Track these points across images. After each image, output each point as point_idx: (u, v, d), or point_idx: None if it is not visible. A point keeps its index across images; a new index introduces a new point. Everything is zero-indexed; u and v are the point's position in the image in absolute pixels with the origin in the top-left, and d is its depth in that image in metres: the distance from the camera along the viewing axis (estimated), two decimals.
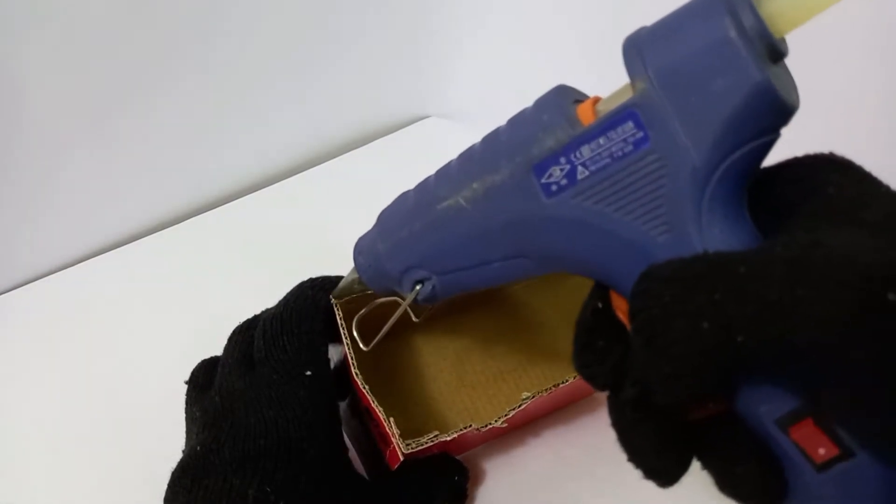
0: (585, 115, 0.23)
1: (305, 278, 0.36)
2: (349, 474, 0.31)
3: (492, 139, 0.26)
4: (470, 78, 0.71)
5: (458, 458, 0.35)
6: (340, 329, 0.33)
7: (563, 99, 0.24)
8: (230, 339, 0.34)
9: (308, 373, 0.31)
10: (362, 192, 0.61)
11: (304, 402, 0.30)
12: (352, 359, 0.32)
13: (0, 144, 0.47)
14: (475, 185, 0.25)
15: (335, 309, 0.33)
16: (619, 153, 0.22)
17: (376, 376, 0.39)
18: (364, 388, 0.31)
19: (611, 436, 0.35)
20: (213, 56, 0.55)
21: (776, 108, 0.20)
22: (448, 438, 0.31)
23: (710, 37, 0.20)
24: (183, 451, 0.31)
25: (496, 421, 0.32)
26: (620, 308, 0.23)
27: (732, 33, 0.20)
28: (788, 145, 0.54)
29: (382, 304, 0.35)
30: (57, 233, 0.52)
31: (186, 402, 0.34)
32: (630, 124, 0.21)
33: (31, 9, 0.44)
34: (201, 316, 0.47)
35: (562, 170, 0.23)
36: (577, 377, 0.33)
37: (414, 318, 0.32)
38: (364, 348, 0.31)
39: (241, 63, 0.57)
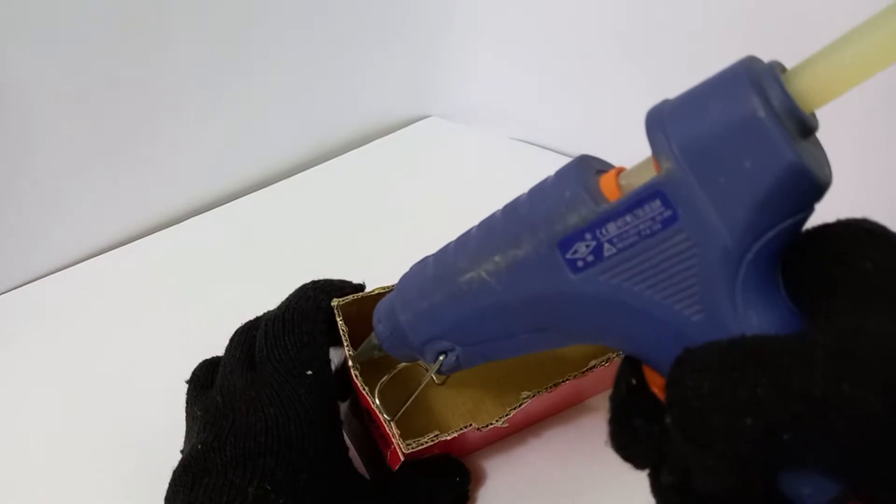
0: (610, 189, 0.22)
1: (305, 278, 0.36)
2: (350, 474, 0.31)
3: (512, 211, 0.25)
4: (470, 78, 0.71)
5: (459, 459, 0.35)
6: (341, 331, 0.33)
7: (585, 171, 0.24)
8: (232, 340, 0.35)
9: (309, 372, 0.31)
10: (362, 192, 0.61)
11: (305, 401, 0.30)
12: (352, 360, 0.32)
13: (1, 145, 0.47)
14: (497, 259, 0.24)
15: (336, 312, 0.33)
16: (647, 231, 0.21)
17: (377, 378, 0.39)
18: (364, 389, 0.31)
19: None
20: (213, 56, 0.55)
21: (810, 187, 0.20)
22: (448, 438, 0.31)
23: (737, 116, 0.19)
24: (182, 451, 0.31)
25: (497, 421, 0.32)
26: (655, 383, 0.23)
27: (761, 113, 0.19)
28: None
29: (381, 296, 0.35)
30: (57, 233, 0.52)
31: (187, 402, 0.34)
32: (657, 202, 0.21)
33: (32, 10, 0.44)
34: (201, 316, 0.47)
35: (587, 246, 0.22)
36: (577, 376, 0.33)
37: (436, 382, 0.32)
38: (388, 418, 0.31)
39: (241, 63, 0.57)
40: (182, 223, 0.57)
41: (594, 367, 0.33)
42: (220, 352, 0.35)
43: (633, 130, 0.72)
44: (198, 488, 0.27)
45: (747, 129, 0.19)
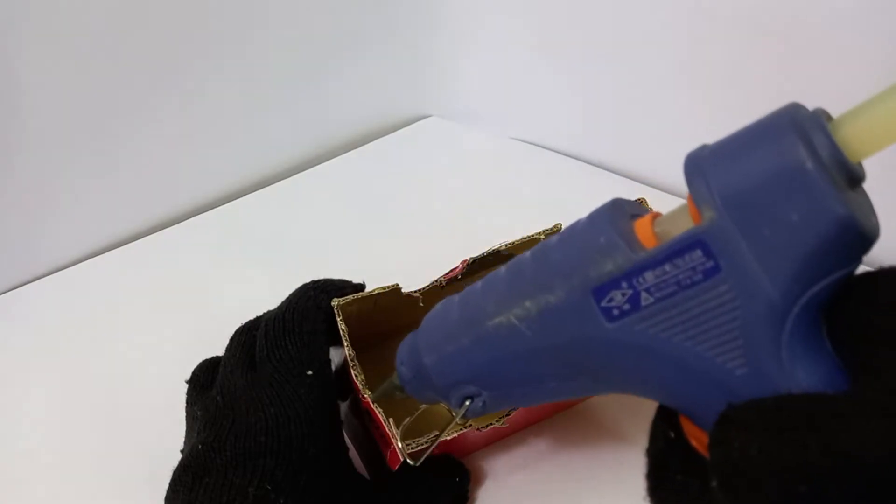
0: (646, 235, 0.22)
1: (305, 278, 0.36)
2: (350, 474, 0.31)
3: (542, 255, 0.24)
4: (470, 78, 0.71)
5: (459, 459, 0.35)
6: (341, 331, 0.33)
7: (619, 216, 0.23)
8: (232, 340, 0.35)
9: (309, 372, 0.31)
10: (362, 192, 0.61)
11: (306, 400, 0.30)
12: (352, 360, 0.32)
13: (0, 144, 0.47)
14: (528, 304, 0.24)
15: (336, 311, 0.33)
16: (688, 281, 0.21)
17: (377, 378, 0.38)
18: (364, 388, 0.31)
19: (611, 438, 0.35)
20: (214, 56, 0.55)
21: (859, 240, 0.19)
22: (448, 438, 0.31)
23: (782, 166, 0.19)
24: (182, 451, 0.31)
25: (497, 422, 0.32)
26: (694, 436, 0.22)
27: (809, 165, 0.18)
28: None
29: (381, 296, 0.35)
30: (57, 233, 0.52)
31: (187, 402, 0.34)
32: (699, 252, 0.20)
33: (33, 11, 0.44)
34: (201, 315, 0.47)
35: (623, 294, 0.22)
36: None
37: (460, 423, 0.30)
38: (413, 462, 0.30)
39: (241, 63, 0.57)
40: (182, 223, 0.57)
41: None
42: (220, 352, 0.35)
43: (633, 130, 0.73)
44: (198, 488, 0.27)
45: (794, 180, 0.19)
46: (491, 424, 0.32)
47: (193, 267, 0.52)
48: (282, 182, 0.62)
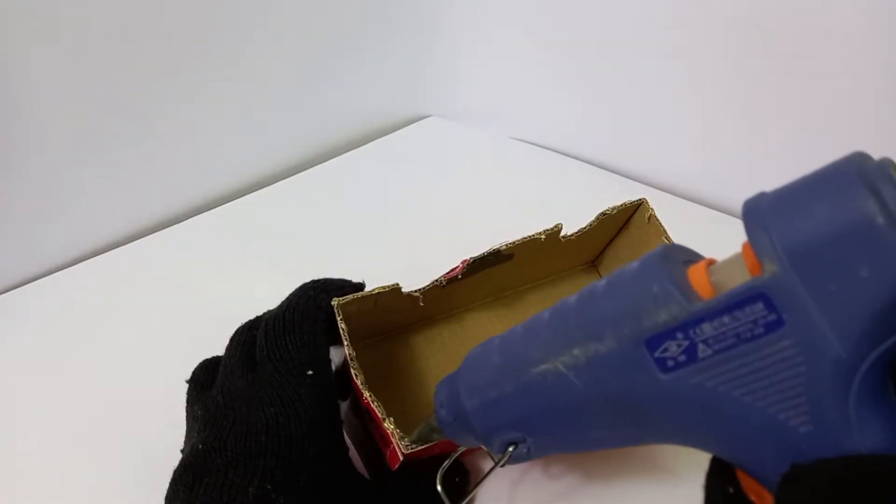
0: (701, 285, 0.21)
1: (305, 277, 0.36)
2: (350, 474, 0.31)
3: (589, 301, 0.24)
4: (470, 78, 0.71)
5: (459, 460, 0.35)
6: (341, 330, 0.33)
7: (671, 263, 0.22)
8: (232, 340, 0.34)
9: (310, 372, 0.31)
10: (362, 192, 0.61)
11: (306, 400, 0.30)
12: (352, 360, 0.32)
13: (0, 144, 0.47)
14: (576, 352, 0.23)
15: (336, 311, 0.34)
16: (748, 335, 0.20)
17: (377, 378, 0.38)
18: (364, 388, 0.31)
19: None
20: (214, 56, 0.55)
21: None
22: (448, 438, 0.31)
23: (851, 221, 0.18)
24: (182, 451, 0.31)
25: None
26: (753, 491, 0.21)
27: (879, 220, 0.18)
28: (791, 145, 0.53)
29: (381, 296, 0.35)
30: (57, 233, 0.52)
31: (187, 402, 0.34)
32: (760, 305, 0.20)
33: (35, 12, 0.44)
34: (201, 315, 0.47)
35: (679, 345, 0.21)
36: None
37: (499, 466, 0.29)
38: (388, 417, 0.30)
39: (241, 63, 0.57)
40: (182, 223, 0.57)
41: None
42: (220, 351, 0.35)
43: (633, 130, 0.73)
44: (198, 487, 0.27)
45: (863, 235, 0.18)
46: None
47: (193, 267, 0.52)
48: (282, 182, 0.62)
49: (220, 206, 0.59)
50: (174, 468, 0.29)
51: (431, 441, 0.30)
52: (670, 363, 0.21)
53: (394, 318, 0.40)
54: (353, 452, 0.35)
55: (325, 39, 0.61)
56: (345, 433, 0.33)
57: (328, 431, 0.30)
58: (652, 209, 0.40)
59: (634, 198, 0.40)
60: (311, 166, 0.64)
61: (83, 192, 0.52)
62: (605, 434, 0.24)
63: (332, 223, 0.57)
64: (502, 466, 0.27)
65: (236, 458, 0.27)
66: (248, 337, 0.34)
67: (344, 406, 0.36)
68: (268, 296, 0.36)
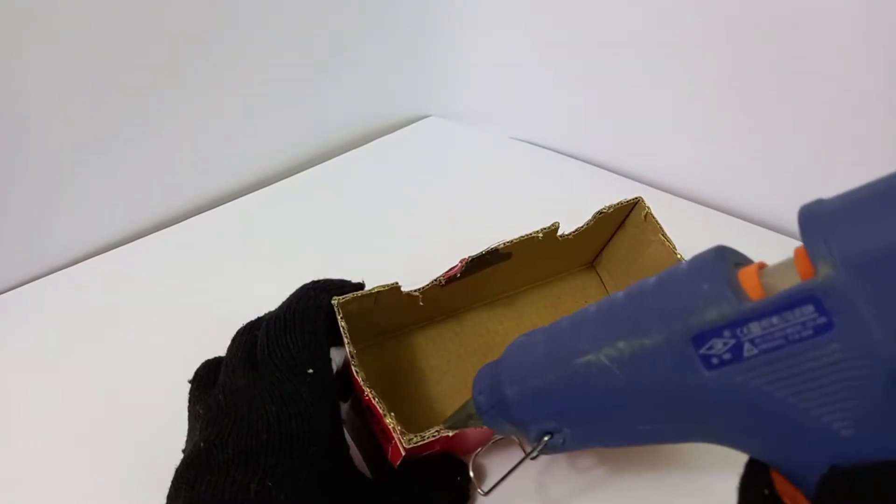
0: (751, 286, 0.21)
1: (306, 277, 0.36)
2: (351, 472, 0.31)
3: (638, 295, 0.24)
4: (470, 78, 0.71)
5: (461, 459, 0.35)
6: (341, 329, 0.33)
7: (723, 263, 0.22)
8: (234, 340, 0.35)
9: (310, 371, 0.31)
10: (362, 192, 0.61)
11: (307, 398, 0.30)
12: (352, 357, 0.32)
13: (0, 144, 0.47)
14: (620, 345, 0.23)
15: (336, 309, 0.34)
16: (796, 336, 0.20)
17: (378, 377, 0.39)
18: (365, 384, 0.31)
19: None
20: (214, 55, 0.55)
21: None
22: (450, 434, 0.31)
23: None
24: (184, 450, 0.31)
25: None
26: (787, 494, 0.21)
27: None
28: (791, 145, 0.53)
29: (381, 295, 0.35)
30: (57, 232, 0.52)
31: (189, 401, 0.34)
32: (810, 307, 0.20)
33: (35, 12, 0.44)
34: (201, 315, 0.47)
35: (725, 343, 0.21)
36: None
37: (531, 458, 0.29)
38: (389, 412, 0.30)
39: (241, 62, 0.57)
40: (182, 223, 0.58)
41: None
42: (221, 351, 0.35)
43: (633, 130, 0.73)
44: (200, 485, 0.27)
45: None
46: None
47: (193, 267, 0.53)
48: (282, 182, 0.62)
49: (220, 206, 0.59)
50: (175, 467, 0.29)
51: (467, 426, 0.30)
52: (715, 360, 0.21)
53: (394, 318, 0.40)
54: (354, 451, 0.35)
55: (324, 39, 0.61)
56: (346, 432, 0.33)
57: (329, 430, 0.30)
58: (648, 207, 0.40)
59: (632, 196, 0.40)
60: (311, 166, 0.64)
61: (83, 192, 0.52)
62: (643, 430, 0.24)
63: (332, 223, 0.57)
64: (534, 458, 0.27)
65: (237, 455, 0.28)
66: (250, 337, 0.34)
67: (345, 405, 0.36)
68: (268, 296, 0.36)
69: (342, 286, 0.35)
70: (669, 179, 0.61)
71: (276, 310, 0.34)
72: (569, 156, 0.66)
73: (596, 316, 0.25)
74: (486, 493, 0.30)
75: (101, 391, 0.42)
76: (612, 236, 0.43)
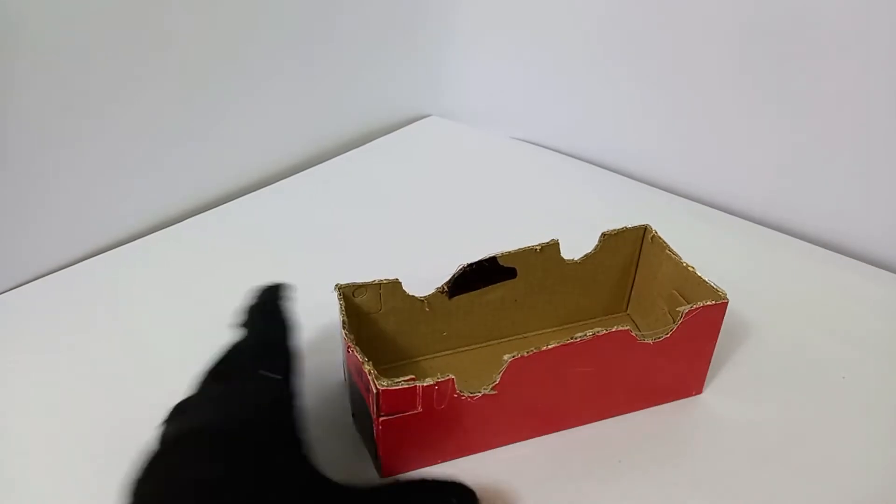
0: None
1: (306, 277, 0.37)
2: (311, 470, 0.31)
3: None
4: (470, 77, 0.71)
5: (466, 485, 0.34)
6: (339, 313, 0.34)
7: None
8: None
9: (262, 372, 0.32)
10: (362, 191, 0.61)
11: (252, 396, 0.31)
12: (344, 325, 0.33)
13: (1, 144, 0.47)
14: None
15: (338, 294, 0.35)
16: None
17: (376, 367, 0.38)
18: (348, 337, 0.33)
19: (614, 446, 0.34)
20: (214, 55, 0.55)
21: None
22: (426, 384, 0.31)
23: None
24: None
25: (485, 388, 0.33)
26: None
27: None
28: (791, 145, 0.53)
29: (388, 298, 0.36)
30: (57, 232, 0.52)
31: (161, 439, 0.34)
32: None
33: (35, 11, 0.44)
34: (201, 315, 0.47)
35: None
36: (562, 344, 0.33)
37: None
38: (367, 360, 0.31)
39: (242, 63, 0.57)
40: (182, 223, 0.57)
41: (578, 338, 0.33)
42: (221, 351, 0.35)
43: (633, 130, 0.73)
44: (147, 484, 0.29)
45: None
46: (481, 392, 0.33)
47: (193, 267, 0.52)
48: (282, 182, 0.62)
49: (220, 205, 0.59)
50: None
51: None
52: None
53: (401, 321, 0.40)
54: (361, 450, 0.36)
55: (325, 40, 0.61)
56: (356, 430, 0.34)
57: (273, 426, 0.31)
58: (654, 230, 0.41)
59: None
60: (311, 166, 0.64)
61: (83, 192, 0.52)
62: None
63: (332, 223, 0.57)
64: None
65: (190, 443, 0.29)
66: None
67: (349, 407, 0.36)
68: None
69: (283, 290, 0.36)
70: (669, 179, 0.61)
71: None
72: (569, 156, 0.66)
73: None
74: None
75: (100, 391, 0.42)
76: (635, 276, 0.44)
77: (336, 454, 0.36)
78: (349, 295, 0.36)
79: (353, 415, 0.38)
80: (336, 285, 0.36)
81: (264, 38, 0.57)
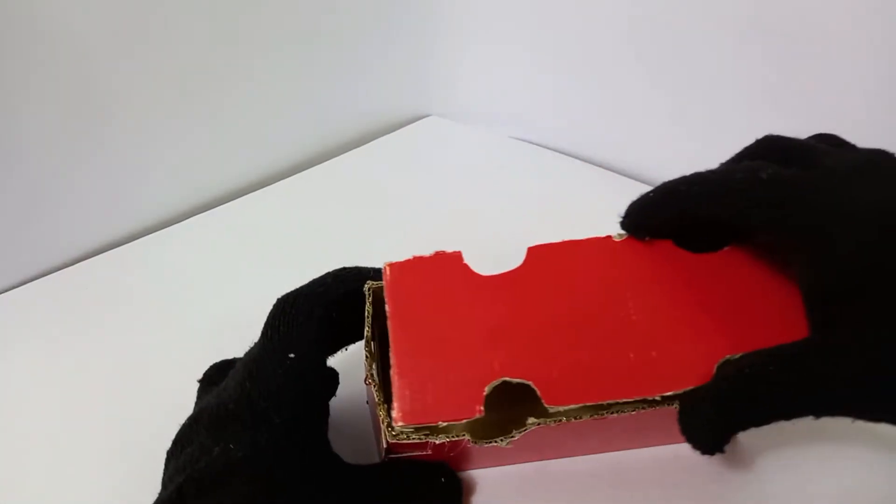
0: None
1: (306, 278, 0.36)
2: (325, 451, 0.31)
3: None
4: (470, 77, 0.71)
5: (454, 471, 0.34)
6: (366, 315, 0.32)
7: None
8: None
9: (291, 355, 0.31)
10: (362, 192, 0.61)
11: (280, 380, 0.30)
12: (367, 343, 0.31)
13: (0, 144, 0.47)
14: None
15: (367, 294, 0.32)
16: None
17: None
18: (369, 369, 0.31)
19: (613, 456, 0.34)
20: (213, 56, 0.55)
21: None
22: (441, 442, 0.30)
23: None
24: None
25: (500, 441, 0.30)
26: None
27: None
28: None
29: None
30: (57, 232, 0.52)
31: (196, 402, 0.34)
32: None
33: (34, 11, 0.44)
34: (201, 315, 0.47)
35: None
36: (593, 417, 0.29)
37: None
38: (382, 399, 0.30)
39: (241, 63, 0.57)
40: (182, 223, 0.58)
41: (611, 415, 0.29)
42: (220, 351, 0.35)
43: (633, 129, 0.73)
44: (178, 456, 0.29)
45: None
46: (493, 442, 0.30)
47: (193, 267, 0.53)
48: (282, 182, 0.62)
49: (220, 205, 0.59)
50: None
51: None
52: None
53: None
54: (373, 447, 0.36)
55: (325, 39, 0.61)
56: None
57: (298, 411, 0.30)
58: None
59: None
60: (311, 166, 0.64)
61: (83, 191, 0.52)
62: None
63: (332, 223, 0.57)
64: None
65: (210, 425, 0.29)
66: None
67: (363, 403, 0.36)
68: (268, 296, 0.36)
69: (360, 275, 0.34)
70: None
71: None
72: (569, 156, 0.66)
73: None
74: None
75: (101, 391, 0.42)
76: None
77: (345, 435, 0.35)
78: (379, 294, 0.32)
79: (367, 402, 0.38)
80: (367, 285, 0.33)
81: (264, 37, 0.57)
